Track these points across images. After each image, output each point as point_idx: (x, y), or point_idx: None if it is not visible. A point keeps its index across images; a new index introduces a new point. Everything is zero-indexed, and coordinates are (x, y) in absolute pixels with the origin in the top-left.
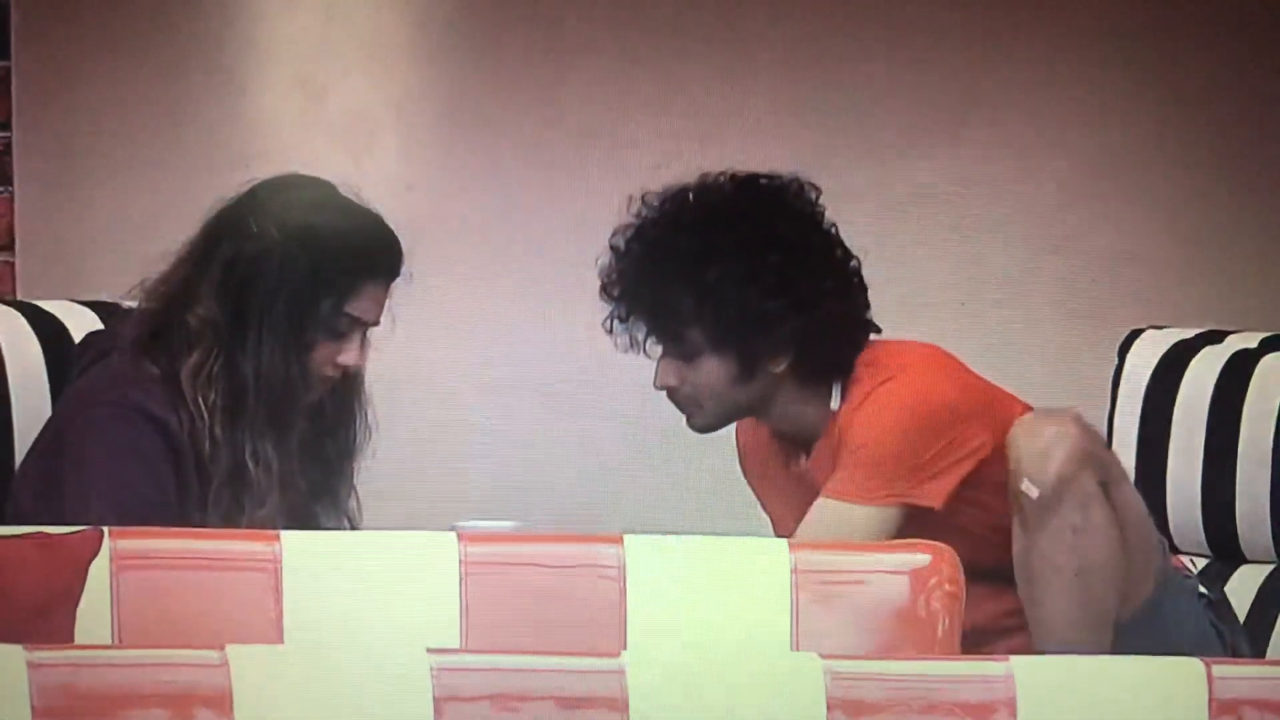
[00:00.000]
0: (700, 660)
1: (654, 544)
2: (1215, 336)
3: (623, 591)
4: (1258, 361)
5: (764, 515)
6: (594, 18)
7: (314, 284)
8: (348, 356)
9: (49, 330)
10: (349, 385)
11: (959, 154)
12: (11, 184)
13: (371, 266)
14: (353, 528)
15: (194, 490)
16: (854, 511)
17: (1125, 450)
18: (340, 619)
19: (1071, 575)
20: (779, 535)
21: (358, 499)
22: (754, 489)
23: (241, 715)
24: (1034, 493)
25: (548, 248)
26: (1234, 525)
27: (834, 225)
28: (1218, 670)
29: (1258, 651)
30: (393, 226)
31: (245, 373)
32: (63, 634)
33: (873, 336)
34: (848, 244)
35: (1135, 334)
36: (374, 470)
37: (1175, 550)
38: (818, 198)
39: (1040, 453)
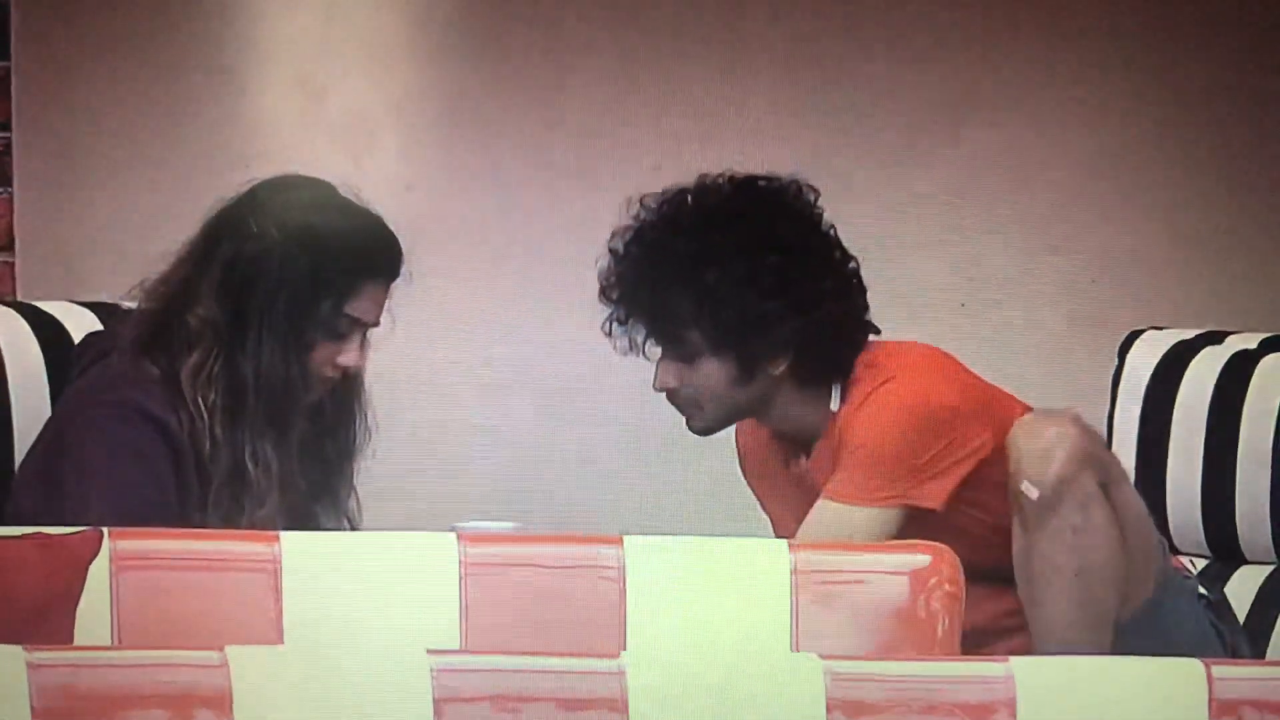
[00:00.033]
0: (700, 660)
1: (654, 545)
2: (1215, 337)
3: (623, 592)
4: (1258, 362)
5: (764, 516)
6: (594, 18)
7: (314, 284)
8: (348, 357)
9: (49, 331)
10: (349, 386)
11: (959, 155)
12: (11, 184)
13: (371, 267)
14: (353, 528)
15: (194, 490)
16: (854, 513)
17: (1125, 450)
18: (340, 620)
19: (1071, 576)
20: (779, 536)
21: (358, 499)
22: (754, 490)
23: (241, 716)
24: (1034, 493)
25: (547, 248)
26: (1234, 526)
27: (833, 226)
28: (1218, 671)
29: (1258, 652)
30: (392, 227)
31: (245, 373)
32: (62, 635)
33: (872, 337)
34: (847, 245)
35: (1135, 334)
36: (374, 471)
37: (1175, 551)
38: (816, 199)
39: (1040, 453)
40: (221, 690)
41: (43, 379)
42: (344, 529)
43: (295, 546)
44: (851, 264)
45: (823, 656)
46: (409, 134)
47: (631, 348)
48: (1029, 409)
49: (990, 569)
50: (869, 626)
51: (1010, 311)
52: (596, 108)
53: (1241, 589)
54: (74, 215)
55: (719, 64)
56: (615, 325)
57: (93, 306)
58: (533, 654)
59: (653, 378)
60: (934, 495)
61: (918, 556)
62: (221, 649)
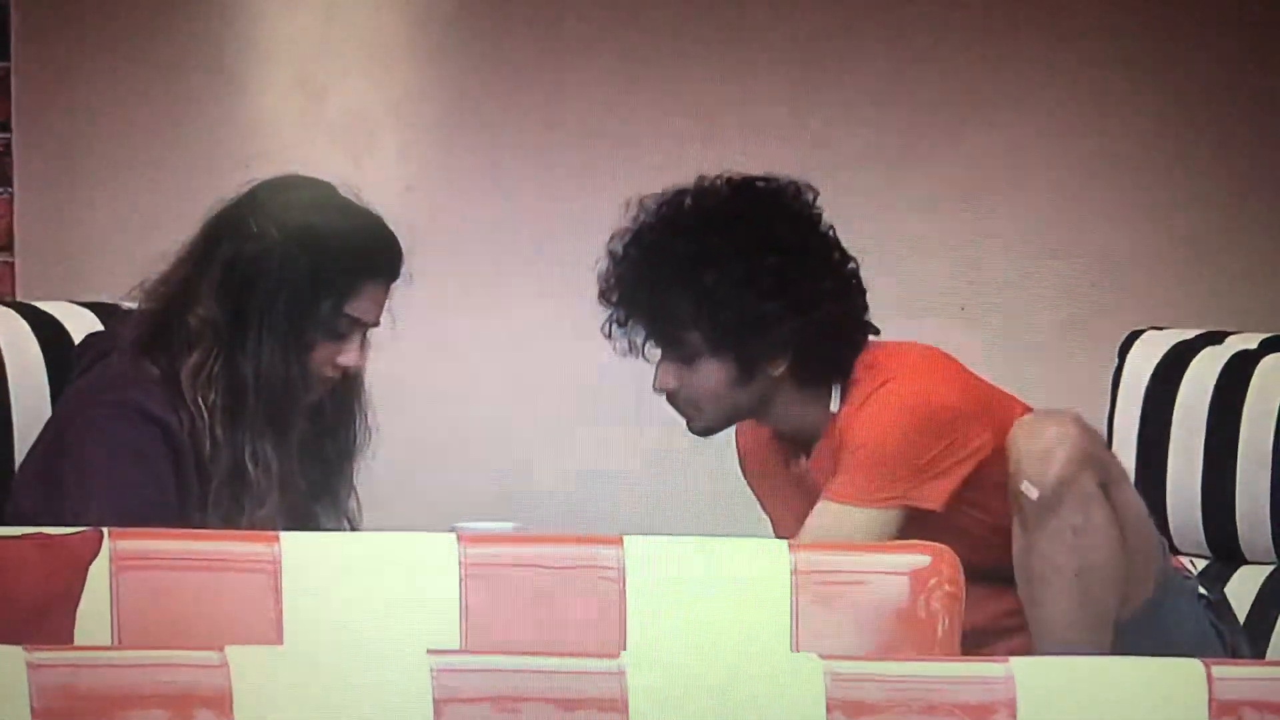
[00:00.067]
0: (700, 661)
1: (654, 545)
2: (1215, 337)
3: (623, 592)
4: (1258, 362)
5: (764, 516)
6: (594, 18)
7: (314, 284)
8: (347, 357)
9: (48, 331)
10: (349, 386)
11: (959, 155)
12: (11, 185)
13: (371, 267)
14: (353, 528)
15: (194, 490)
16: (855, 514)
17: (1125, 451)
18: (340, 620)
19: (1071, 576)
20: (779, 536)
21: (358, 500)
22: (754, 490)
23: (241, 716)
24: (1034, 493)
25: (548, 248)
26: (1234, 526)
27: (831, 227)
28: (1218, 671)
29: (1258, 652)
30: (392, 227)
31: (245, 373)
32: (62, 635)
33: (871, 338)
34: (847, 246)
35: (1135, 335)
36: (374, 471)
37: (1175, 551)
38: (815, 200)
39: (1040, 453)
40: (221, 690)
41: (43, 379)
42: (344, 529)
43: (295, 546)
44: (851, 264)
45: (823, 656)
46: (409, 134)
47: (631, 349)
48: (1029, 409)
49: (990, 569)
50: (869, 627)
51: (1010, 312)
52: (596, 108)
53: (1241, 589)
54: (74, 215)
55: (719, 64)
56: (615, 327)
57: (93, 306)
58: (533, 654)
59: (652, 379)
60: (935, 496)
61: (918, 557)
62: (221, 649)
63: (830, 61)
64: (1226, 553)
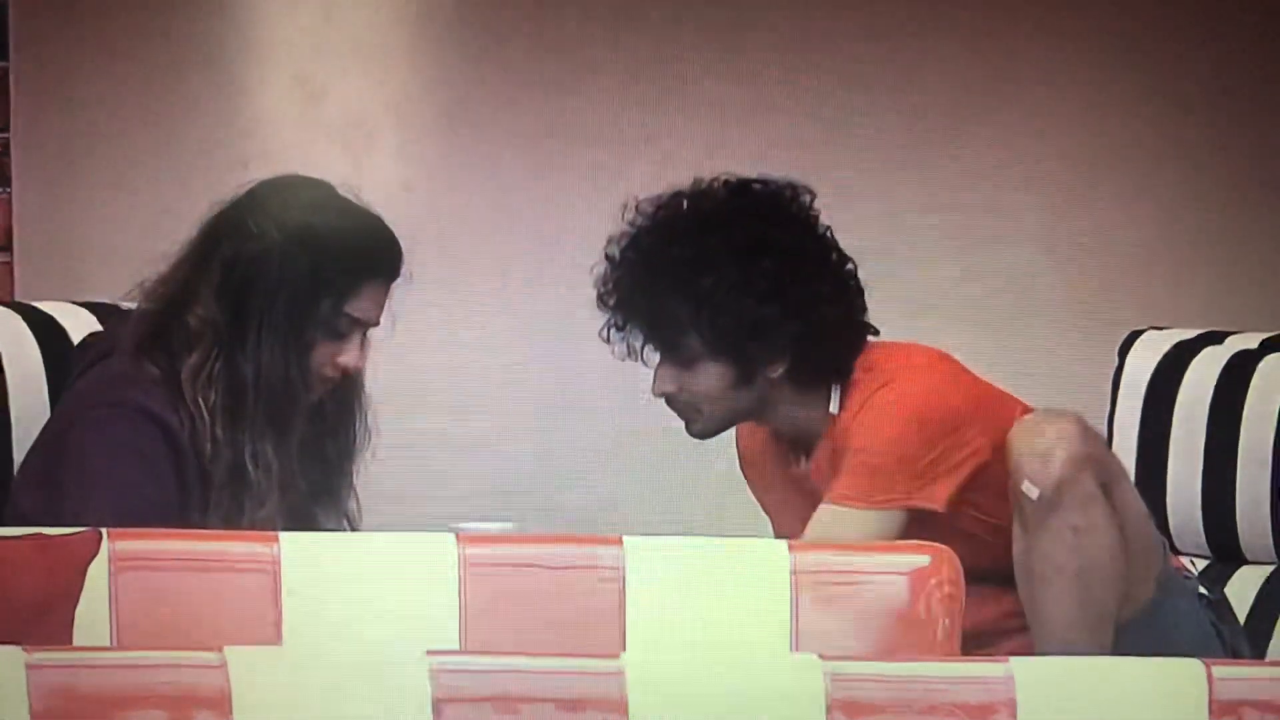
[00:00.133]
0: (700, 661)
1: (654, 545)
2: (1215, 337)
3: (622, 592)
4: (1258, 362)
5: (764, 517)
6: (594, 18)
7: (314, 284)
8: (347, 357)
9: (48, 332)
10: (349, 386)
11: (959, 156)
12: (10, 185)
13: (371, 267)
14: (352, 529)
15: (195, 491)
16: (857, 516)
17: (1125, 451)
18: (339, 620)
19: (1072, 576)
20: (779, 536)
21: (357, 500)
22: (754, 491)
23: (240, 716)
24: (1034, 493)
25: (547, 248)
26: (1234, 526)
27: (829, 228)
28: (1218, 671)
29: (1258, 652)
30: (392, 227)
31: (245, 373)
32: (61, 635)
33: (871, 339)
34: (846, 247)
35: (1135, 334)
36: (374, 471)
37: (1175, 551)
38: (812, 201)
39: (1041, 454)
40: (221, 691)
41: (42, 380)
42: (344, 529)
43: (295, 547)
44: (849, 265)
45: (823, 657)
46: (408, 134)
47: (630, 353)
48: (1029, 409)
49: (991, 570)
50: (869, 627)
51: (1010, 312)
52: (596, 108)
53: (1242, 589)
54: (73, 215)
55: (719, 65)
56: (613, 331)
57: (92, 307)
58: (533, 654)
59: (651, 383)
60: (936, 496)
61: (918, 557)
62: (220, 649)
63: (830, 62)
64: (1226, 553)
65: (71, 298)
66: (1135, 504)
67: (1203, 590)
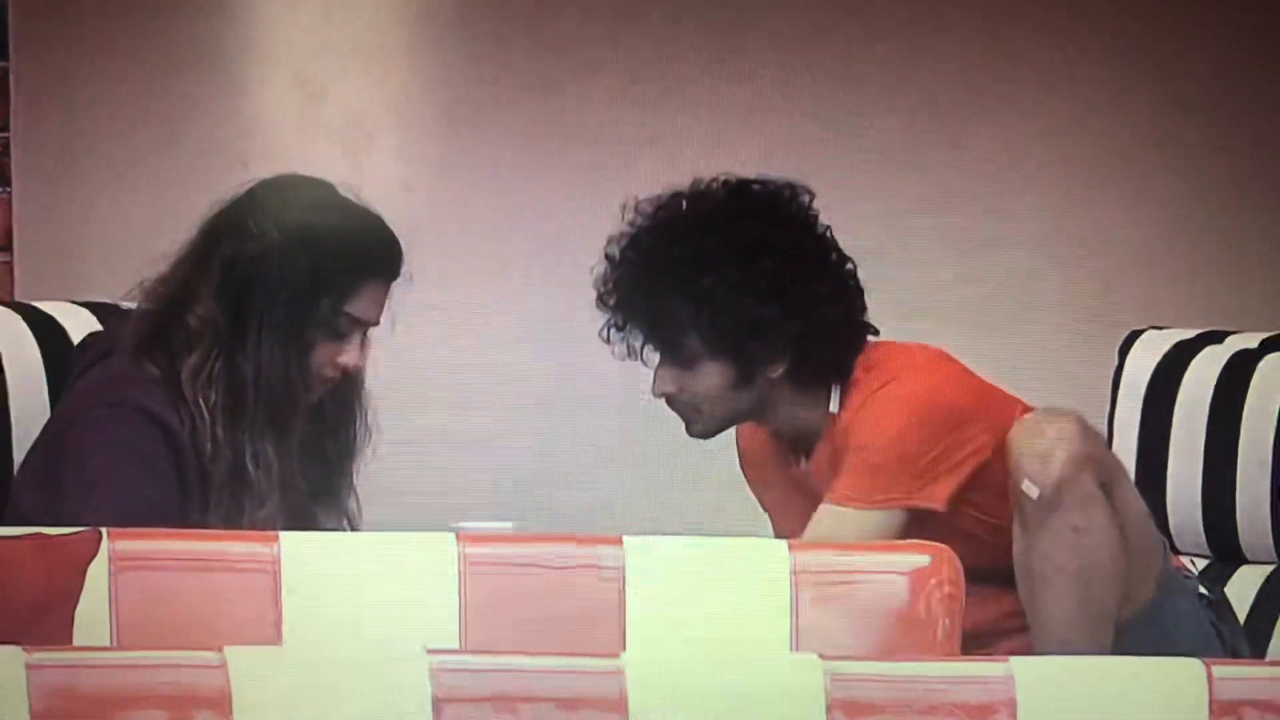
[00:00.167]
0: (700, 660)
1: (654, 545)
2: (1215, 337)
3: (623, 592)
4: (1258, 362)
5: (764, 517)
6: (594, 18)
7: (314, 284)
8: (348, 357)
9: (48, 332)
10: (349, 385)
11: (959, 156)
12: (10, 185)
13: (371, 266)
14: (352, 528)
15: (195, 491)
16: (858, 516)
17: (1125, 451)
18: (339, 620)
19: (1072, 576)
20: (779, 536)
21: (357, 499)
22: (754, 491)
23: (240, 716)
24: (1034, 493)
25: (547, 248)
26: (1234, 526)
27: (828, 228)
28: (1218, 671)
29: (1258, 652)
30: (392, 227)
31: (245, 373)
32: (61, 635)
33: (871, 338)
34: (846, 247)
35: (1135, 334)
36: (374, 471)
37: (1175, 551)
38: (811, 201)
39: (1041, 453)
40: (221, 691)
41: (41, 380)
42: (344, 529)
43: (295, 547)
44: (848, 265)
45: (823, 656)
46: (408, 134)
47: (630, 353)
48: (1029, 409)
49: (991, 569)
50: (869, 626)
51: (1011, 312)
52: (596, 108)
53: (1242, 589)
54: (73, 215)
55: (718, 65)
56: (613, 331)
57: (92, 307)
58: (532, 654)
59: (651, 383)
60: (937, 496)
61: (918, 557)
62: (220, 649)
63: (829, 62)
64: (1227, 552)
65: (71, 298)
66: (1135, 504)
67: (1203, 590)
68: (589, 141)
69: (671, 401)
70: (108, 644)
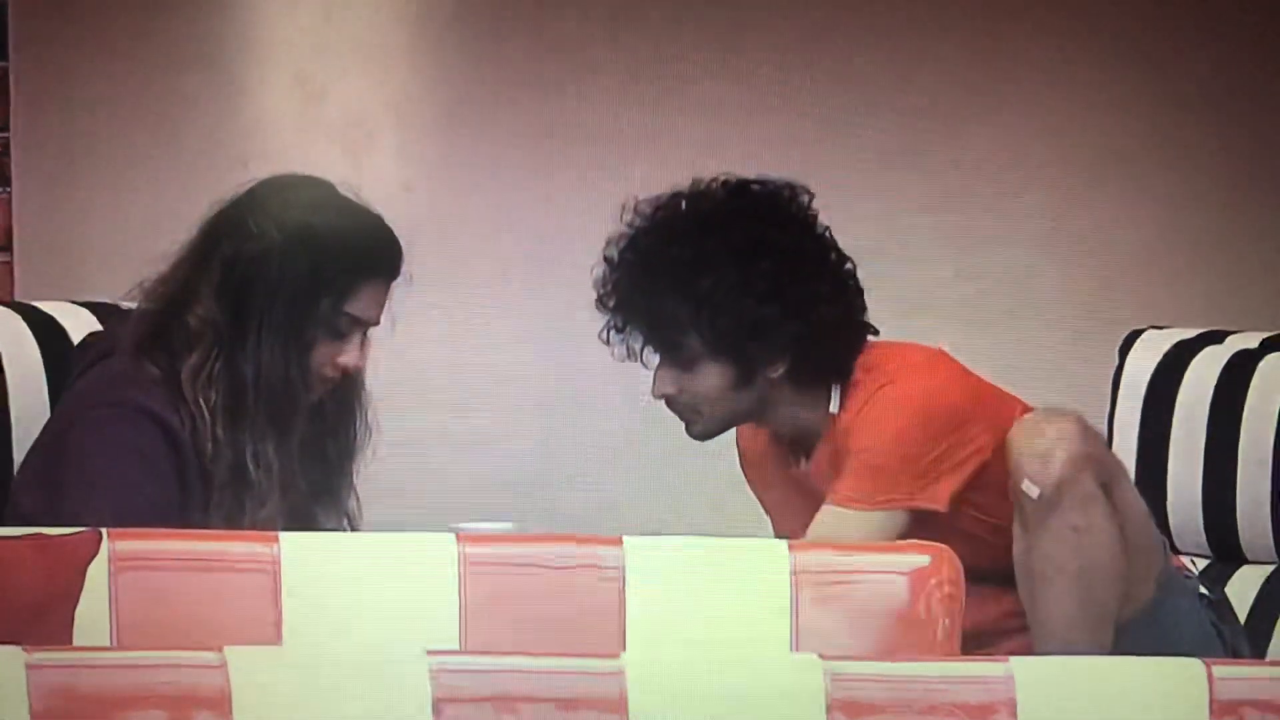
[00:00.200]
0: (700, 660)
1: (654, 545)
2: (1215, 336)
3: (622, 592)
4: (1258, 362)
5: (764, 517)
6: (594, 18)
7: (314, 284)
8: (348, 357)
9: (48, 332)
10: (349, 385)
11: (958, 156)
12: (10, 185)
13: (371, 266)
14: (352, 528)
15: (195, 491)
16: (859, 517)
17: (1125, 451)
18: (339, 620)
19: (1072, 576)
20: (779, 537)
21: (357, 499)
22: (755, 491)
23: (240, 716)
24: (1035, 493)
25: (547, 248)
26: (1234, 526)
27: (827, 228)
28: (1218, 671)
29: (1258, 652)
30: (392, 227)
31: (245, 373)
32: (61, 635)
33: (871, 338)
34: (846, 247)
35: (1135, 334)
36: (374, 471)
37: (1176, 551)
38: (810, 201)
39: (1041, 453)
40: (221, 691)
41: (42, 380)
42: (344, 529)
43: (295, 547)
44: (848, 265)
45: (823, 656)
46: (408, 134)
47: (629, 354)
48: (1029, 409)
49: (991, 570)
50: (869, 627)
51: (1011, 311)
52: (596, 108)
53: (1242, 589)
54: (73, 215)
55: (718, 65)
56: (613, 333)
57: (92, 307)
58: (532, 654)
59: (651, 385)
60: (938, 496)
61: (918, 557)
62: (220, 649)
63: (829, 62)
64: (1227, 552)
65: (71, 298)
66: (1135, 504)
67: (1203, 590)
68: (589, 141)
69: (671, 403)
70: (108, 644)
